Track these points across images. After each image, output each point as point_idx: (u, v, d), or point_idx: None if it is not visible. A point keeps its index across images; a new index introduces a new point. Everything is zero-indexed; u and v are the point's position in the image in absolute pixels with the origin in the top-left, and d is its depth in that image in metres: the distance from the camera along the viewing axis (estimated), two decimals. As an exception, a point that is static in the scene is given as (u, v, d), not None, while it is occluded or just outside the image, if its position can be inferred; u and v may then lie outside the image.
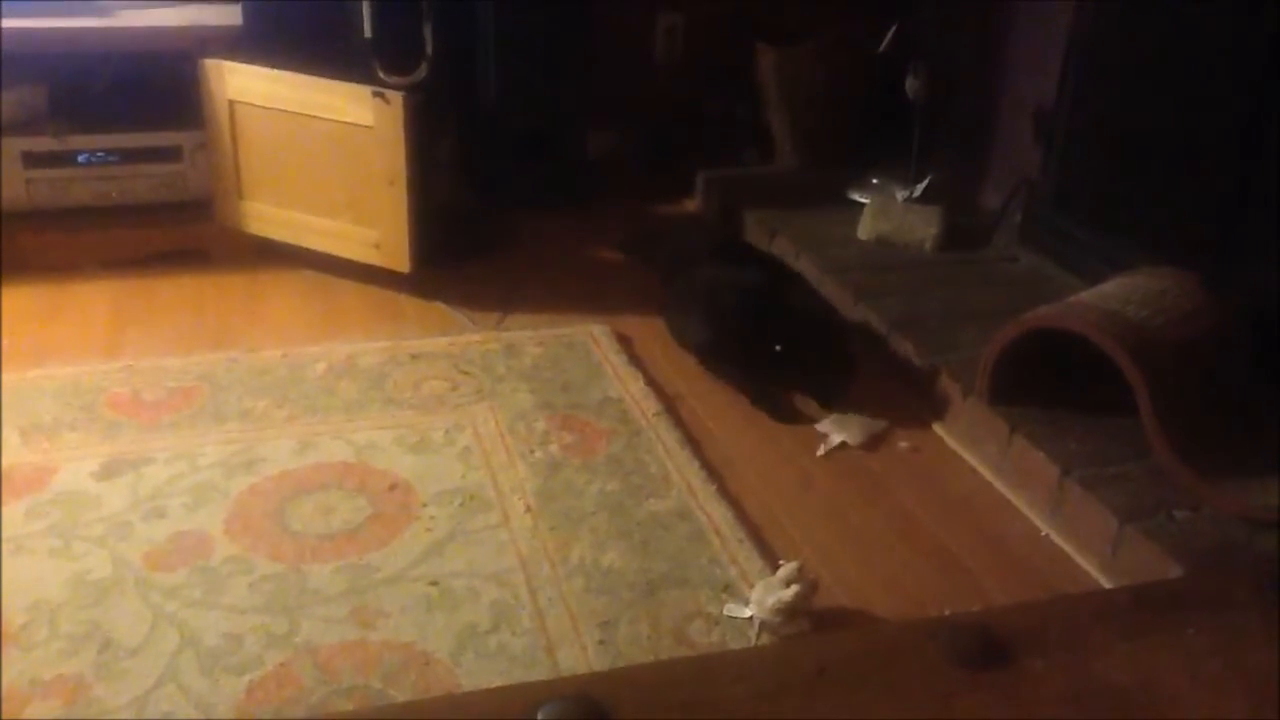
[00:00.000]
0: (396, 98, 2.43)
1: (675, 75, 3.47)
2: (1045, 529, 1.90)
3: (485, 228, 2.95)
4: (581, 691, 0.68)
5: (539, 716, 0.66)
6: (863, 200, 2.95)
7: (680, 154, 3.35)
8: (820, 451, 2.08)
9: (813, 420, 2.18)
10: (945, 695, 0.72)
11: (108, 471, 1.91)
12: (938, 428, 2.18)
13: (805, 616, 1.61)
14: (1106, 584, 1.76)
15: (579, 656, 1.56)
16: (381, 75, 2.65)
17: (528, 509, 1.87)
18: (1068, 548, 1.85)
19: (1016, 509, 1.96)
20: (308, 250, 2.67)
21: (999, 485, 2.01)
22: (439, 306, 2.60)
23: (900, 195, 2.92)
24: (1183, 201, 2.31)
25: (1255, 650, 0.79)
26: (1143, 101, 2.41)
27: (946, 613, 1.64)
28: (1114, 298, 1.98)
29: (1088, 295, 2.05)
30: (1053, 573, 1.80)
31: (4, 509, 1.80)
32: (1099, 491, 1.82)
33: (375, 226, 2.57)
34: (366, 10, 2.70)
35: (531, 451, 2.03)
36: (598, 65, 3.17)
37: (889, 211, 2.84)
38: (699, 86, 3.43)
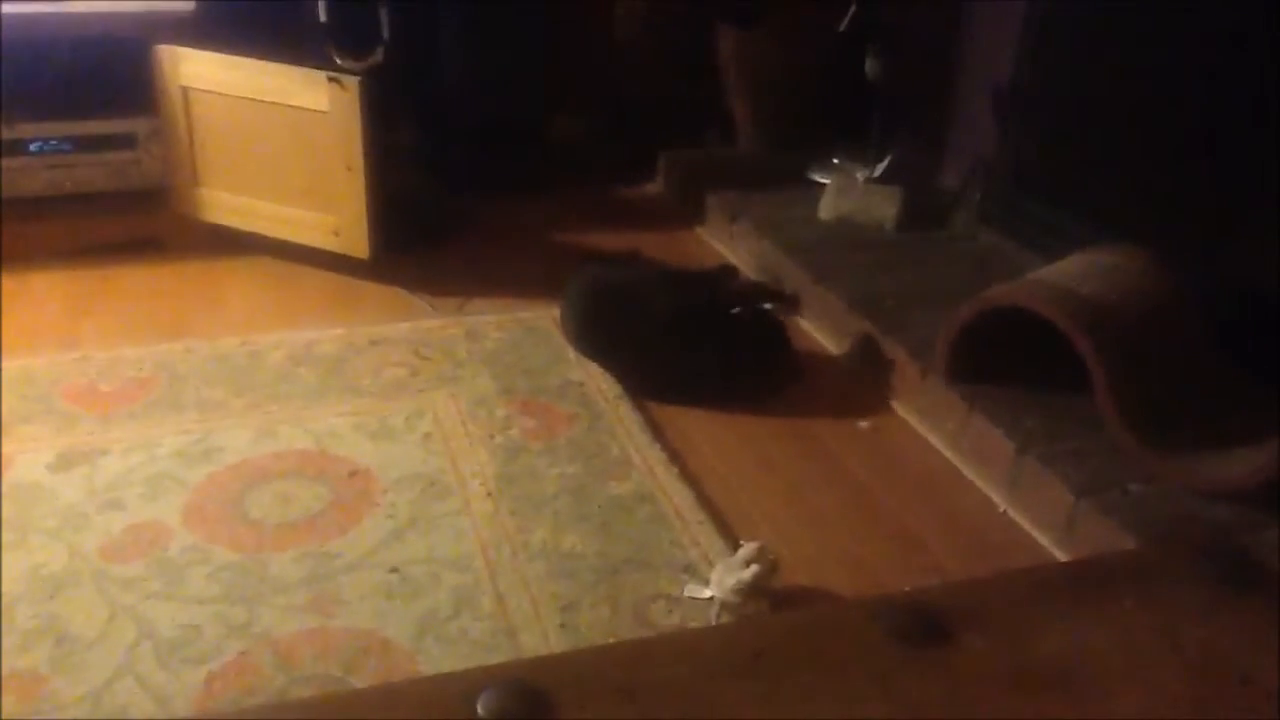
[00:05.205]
0: (352, 82, 2.41)
1: (636, 58, 3.46)
2: (1003, 505, 1.92)
3: (445, 213, 2.94)
4: (520, 677, 0.68)
5: (478, 705, 0.66)
6: (824, 180, 2.96)
7: (642, 137, 3.35)
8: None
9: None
10: (884, 674, 0.73)
11: (63, 463, 1.90)
12: (897, 406, 2.19)
13: (765, 596, 1.62)
14: (1062, 558, 1.78)
15: (540, 640, 1.56)
16: (337, 60, 2.63)
17: (489, 494, 1.87)
18: (1025, 523, 1.87)
19: (975, 486, 1.97)
20: (265, 237, 2.65)
21: (958, 463, 2.03)
22: (399, 292, 2.59)
23: (861, 175, 2.93)
24: (1139, 178, 2.33)
25: (1192, 624, 0.80)
26: (1100, 79, 2.42)
27: (906, 589, 1.65)
28: (1069, 275, 1.99)
29: (1044, 273, 2.06)
30: (1010, 548, 1.82)
31: (-42, 503, 1.78)
32: (1055, 467, 1.83)
33: (333, 212, 2.56)
34: (321, -7, 2.68)
35: (492, 436, 2.03)
36: (558, 48, 3.15)
37: (850, 191, 2.85)
38: (660, 69, 3.42)
